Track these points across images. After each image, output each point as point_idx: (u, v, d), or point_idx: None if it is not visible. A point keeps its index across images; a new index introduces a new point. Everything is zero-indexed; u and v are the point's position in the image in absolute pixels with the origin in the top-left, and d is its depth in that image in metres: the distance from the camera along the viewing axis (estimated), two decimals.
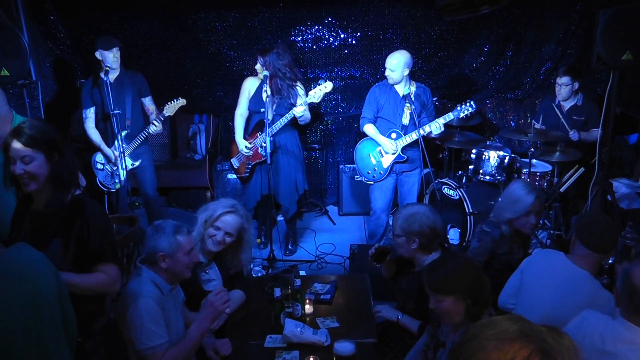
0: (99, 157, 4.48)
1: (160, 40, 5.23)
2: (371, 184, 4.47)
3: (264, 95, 4.16)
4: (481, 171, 4.48)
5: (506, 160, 4.42)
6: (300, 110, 4.15)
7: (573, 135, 4.40)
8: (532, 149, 4.32)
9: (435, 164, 5.22)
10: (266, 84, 4.11)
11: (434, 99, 5.04)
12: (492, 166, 4.45)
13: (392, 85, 4.22)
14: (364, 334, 2.63)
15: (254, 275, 4.15)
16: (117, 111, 4.09)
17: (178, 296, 2.46)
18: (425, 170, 4.27)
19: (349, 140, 5.67)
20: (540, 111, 4.88)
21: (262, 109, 4.23)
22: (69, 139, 5.17)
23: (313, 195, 5.77)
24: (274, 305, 2.70)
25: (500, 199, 3.34)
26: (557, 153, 4.23)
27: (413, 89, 4.22)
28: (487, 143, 4.92)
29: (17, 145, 2.13)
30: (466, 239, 4.38)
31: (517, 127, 5.37)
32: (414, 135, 4.15)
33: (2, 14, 4.13)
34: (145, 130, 4.34)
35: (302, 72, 5.33)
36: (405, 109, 4.21)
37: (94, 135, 4.39)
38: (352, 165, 5.26)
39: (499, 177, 4.42)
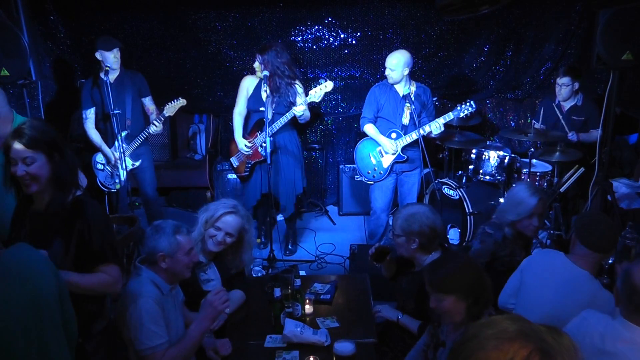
0: (99, 158, 4.48)
1: (160, 40, 5.23)
2: (371, 184, 4.47)
3: (264, 95, 4.16)
4: (481, 171, 4.48)
5: (506, 160, 4.43)
6: (300, 109, 4.15)
7: (572, 136, 4.41)
8: (532, 149, 4.32)
9: (435, 164, 5.22)
10: (266, 83, 4.11)
11: (434, 99, 5.04)
12: (492, 166, 4.45)
13: (392, 85, 4.22)
14: (364, 334, 2.63)
15: (254, 275, 4.15)
16: (117, 111, 4.09)
17: (178, 296, 2.46)
18: (425, 170, 4.27)
19: (349, 140, 5.67)
20: (540, 111, 4.88)
21: (261, 108, 4.23)
22: (69, 139, 5.17)
23: (313, 195, 5.78)
24: (274, 305, 2.70)
25: (503, 201, 3.32)
26: (557, 153, 4.23)
27: (413, 88, 4.22)
28: (487, 143, 4.92)
29: (18, 146, 2.13)
30: (466, 239, 4.38)
31: (517, 127, 5.37)
32: (414, 135, 4.15)
33: (2, 14, 4.13)
34: (146, 131, 4.34)
35: (302, 72, 5.33)
36: (405, 109, 4.21)
37: (95, 136, 4.38)
38: (352, 165, 5.26)
39: (499, 177, 4.42)
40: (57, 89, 5.18)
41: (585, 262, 2.37)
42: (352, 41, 5.28)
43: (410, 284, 2.80)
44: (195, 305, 2.44)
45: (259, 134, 4.37)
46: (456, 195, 4.46)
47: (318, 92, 4.16)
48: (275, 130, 4.25)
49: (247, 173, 4.52)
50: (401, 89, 4.20)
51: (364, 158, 4.41)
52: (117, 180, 4.41)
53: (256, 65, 4.32)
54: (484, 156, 4.48)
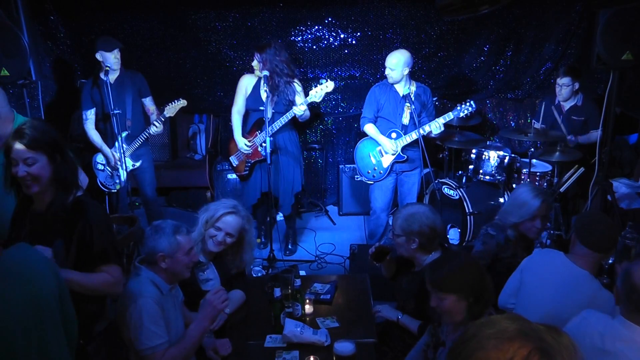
0: (100, 158, 4.48)
1: (160, 40, 5.23)
2: (371, 184, 4.47)
3: (263, 95, 4.16)
4: (481, 171, 4.48)
5: (506, 160, 4.43)
6: (301, 109, 4.15)
7: (570, 140, 4.41)
8: (532, 149, 4.32)
9: (435, 164, 5.22)
10: (266, 83, 4.11)
11: (434, 99, 5.04)
12: (492, 166, 4.45)
13: (392, 84, 4.22)
14: (364, 334, 2.63)
15: (254, 275, 4.15)
16: (117, 111, 4.08)
17: (177, 296, 2.46)
18: (425, 170, 4.27)
19: (349, 140, 5.68)
20: (540, 111, 4.88)
21: (261, 107, 4.23)
22: (69, 139, 5.17)
23: (313, 195, 5.78)
24: (274, 305, 2.70)
25: (506, 202, 3.30)
26: (557, 153, 4.23)
27: (413, 88, 4.22)
28: (487, 143, 4.92)
29: (19, 147, 2.12)
30: (466, 239, 4.38)
31: (517, 127, 5.37)
32: (414, 135, 4.15)
33: (2, 14, 4.13)
34: (146, 131, 4.34)
35: (302, 72, 5.34)
36: (405, 109, 4.21)
37: (95, 136, 4.38)
38: (352, 165, 5.26)
39: (499, 177, 4.42)
40: (57, 89, 5.18)
41: (585, 262, 2.37)
42: (352, 41, 5.28)
43: (411, 284, 2.80)
44: (195, 305, 2.44)
45: (259, 134, 4.37)
46: (456, 195, 4.46)
47: (319, 92, 4.15)
48: (275, 129, 4.25)
49: (246, 172, 4.52)
50: (401, 89, 4.20)
51: (364, 158, 4.42)
52: (117, 181, 4.41)
53: (254, 63, 4.32)
54: (484, 156, 4.48)
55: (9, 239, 2.29)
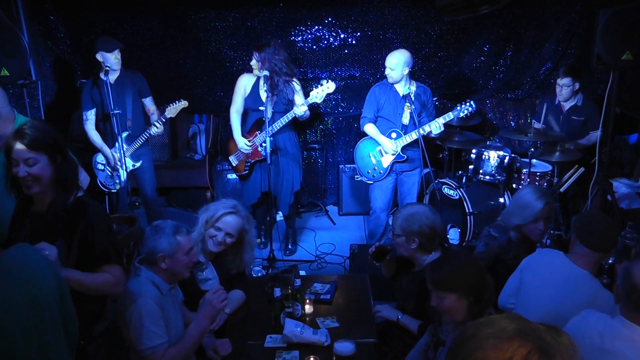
0: (100, 158, 4.48)
1: (160, 40, 5.23)
2: (371, 184, 4.47)
3: (263, 94, 4.15)
4: (481, 171, 4.48)
5: (506, 160, 4.43)
6: (302, 110, 4.15)
7: (568, 146, 4.41)
8: (532, 149, 4.32)
9: (435, 164, 5.22)
10: (266, 83, 4.11)
11: (434, 99, 5.04)
12: (492, 166, 4.45)
13: (392, 84, 4.22)
14: (364, 334, 2.63)
15: (254, 275, 4.15)
16: (117, 111, 4.08)
17: (177, 296, 2.46)
18: (425, 170, 4.27)
19: (349, 140, 5.67)
20: (540, 111, 4.88)
21: (260, 107, 4.23)
22: (69, 139, 5.17)
23: (313, 195, 5.78)
24: (274, 305, 2.70)
25: (509, 204, 3.28)
26: (557, 153, 4.23)
27: (413, 88, 4.22)
28: (487, 143, 4.92)
29: (20, 147, 2.12)
30: (466, 239, 4.38)
31: (517, 127, 5.36)
32: (413, 135, 4.15)
33: (2, 14, 4.13)
34: (147, 132, 4.34)
35: (302, 72, 5.34)
36: (405, 109, 4.21)
37: (95, 137, 4.38)
38: (352, 165, 5.26)
39: (499, 177, 4.42)
40: (57, 89, 5.18)
41: (585, 262, 2.37)
42: (352, 41, 5.28)
43: (411, 284, 2.80)
44: (194, 305, 2.44)
45: (259, 134, 4.36)
46: (456, 195, 4.46)
47: (320, 93, 4.16)
48: (276, 130, 4.25)
49: (246, 172, 4.52)
50: (401, 89, 4.20)
51: (364, 158, 4.42)
52: (117, 181, 4.41)
53: (253, 63, 4.31)
54: (484, 156, 4.48)
55: (8, 240, 2.28)
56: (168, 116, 4.33)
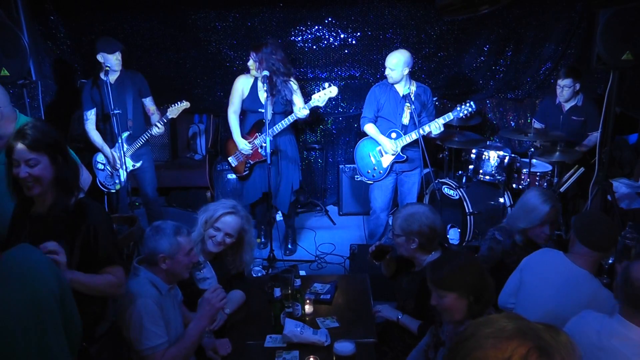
0: (100, 157, 4.48)
1: (160, 40, 5.23)
2: (371, 184, 4.47)
3: (261, 95, 4.15)
4: (481, 171, 4.48)
5: (506, 160, 4.42)
6: (304, 113, 4.16)
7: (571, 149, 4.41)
8: (532, 149, 4.32)
9: (435, 164, 5.22)
10: (265, 83, 4.10)
11: (434, 99, 5.04)
12: (492, 166, 4.45)
13: (392, 84, 4.22)
14: (364, 334, 2.63)
15: (254, 275, 4.15)
16: (118, 111, 4.09)
17: (176, 296, 2.46)
18: (425, 170, 4.27)
19: (349, 140, 5.68)
20: (540, 111, 4.88)
21: (260, 109, 4.23)
22: (69, 139, 5.17)
23: (313, 195, 5.78)
24: (274, 305, 2.70)
25: (514, 207, 3.23)
26: (557, 153, 4.23)
27: (413, 88, 4.22)
28: (487, 143, 4.91)
29: (21, 148, 2.11)
30: (466, 239, 4.38)
31: (517, 127, 5.37)
32: (413, 135, 4.15)
33: (2, 14, 4.13)
34: (148, 132, 4.34)
35: (302, 72, 5.34)
36: (405, 109, 4.21)
37: (96, 137, 4.38)
38: (352, 165, 5.26)
39: (499, 177, 4.42)
40: (57, 89, 5.18)
41: (584, 261, 2.37)
42: (352, 41, 5.28)
43: (411, 284, 2.81)
44: (194, 305, 2.44)
45: (259, 135, 4.36)
46: (456, 195, 4.46)
47: (322, 97, 4.16)
48: (276, 132, 4.25)
49: (246, 172, 4.52)
50: (401, 89, 4.20)
51: (364, 158, 4.42)
52: (117, 181, 4.42)
53: (250, 63, 4.31)
54: (484, 156, 4.48)
55: (8, 241, 2.27)
56: (170, 117, 4.33)
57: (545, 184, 4.43)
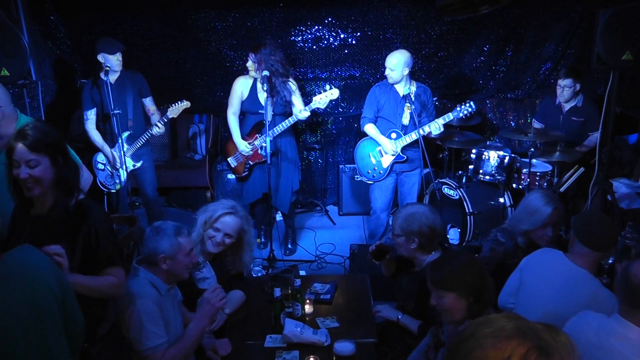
0: (100, 157, 4.48)
1: (160, 40, 5.23)
2: (371, 184, 4.47)
3: (261, 97, 4.15)
4: (481, 171, 4.48)
5: (506, 160, 4.42)
6: (305, 115, 4.16)
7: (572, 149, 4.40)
8: (532, 149, 4.32)
9: (435, 164, 5.22)
10: (266, 83, 4.10)
11: (434, 99, 5.04)
12: (492, 166, 4.45)
13: (393, 84, 4.22)
14: (364, 334, 2.63)
15: (254, 275, 4.15)
16: (118, 111, 4.09)
17: (176, 296, 2.46)
18: (425, 170, 4.27)
19: (349, 140, 5.67)
20: (540, 111, 4.88)
21: (260, 111, 4.23)
22: (69, 139, 5.17)
23: (313, 195, 5.78)
24: (274, 305, 2.70)
25: (517, 208, 3.22)
26: (557, 153, 4.23)
27: (413, 88, 4.22)
28: (487, 143, 4.92)
29: (22, 148, 2.11)
30: (466, 239, 4.38)
31: (517, 127, 5.37)
32: (413, 135, 4.15)
33: (2, 14, 4.12)
34: (148, 132, 4.34)
35: (302, 72, 5.34)
36: (405, 109, 4.21)
37: (96, 136, 4.38)
38: (352, 165, 5.26)
39: (499, 177, 4.42)
40: (57, 89, 5.18)
41: (584, 261, 2.37)
42: (352, 41, 5.27)
43: (411, 284, 2.81)
44: (193, 305, 2.44)
45: (259, 136, 4.36)
46: (456, 195, 4.46)
47: (323, 99, 4.17)
48: (277, 134, 4.25)
49: (246, 173, 4.52)
50: (401, 89, 4.20)
51: (364, 158, 4.42)
52: (117, 181, 4.42)
53: (249, 64, 4.31)
54: (484, 156, 4.48)
55: (8, 242, 2.27)
56: (170, 116, 4.33)
57: (545, 184, 4.43)
